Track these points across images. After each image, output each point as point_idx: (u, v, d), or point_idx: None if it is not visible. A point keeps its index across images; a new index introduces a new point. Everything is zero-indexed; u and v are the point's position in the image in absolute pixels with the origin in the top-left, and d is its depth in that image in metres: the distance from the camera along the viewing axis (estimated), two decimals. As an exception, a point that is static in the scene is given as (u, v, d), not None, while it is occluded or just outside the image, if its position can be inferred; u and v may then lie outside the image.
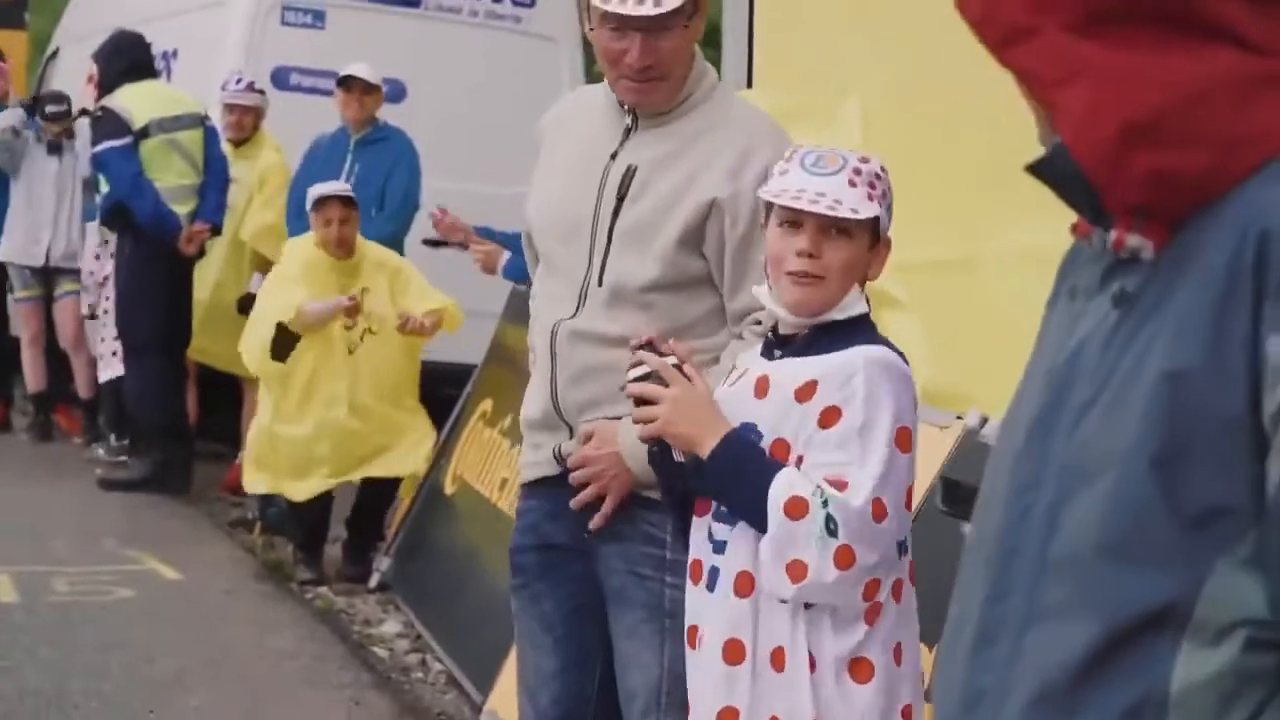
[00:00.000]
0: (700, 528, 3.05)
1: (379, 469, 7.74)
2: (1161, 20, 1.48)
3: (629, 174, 3.44)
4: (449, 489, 7.39)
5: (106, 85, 9.36)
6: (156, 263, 9.18)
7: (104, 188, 9.35)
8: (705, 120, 3.45)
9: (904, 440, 2.90)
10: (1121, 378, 1.51)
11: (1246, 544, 1.43)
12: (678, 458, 3.03)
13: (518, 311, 6.86)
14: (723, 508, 2.99)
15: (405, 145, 8.81)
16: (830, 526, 2.82)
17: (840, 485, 2.84)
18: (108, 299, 9.77)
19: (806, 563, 2.83)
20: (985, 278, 4.94)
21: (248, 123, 9.54)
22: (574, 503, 3.44)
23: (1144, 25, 1.48)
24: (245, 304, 8.70)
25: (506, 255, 7.23)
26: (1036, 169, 1.59)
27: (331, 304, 7.51)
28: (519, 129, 8.03)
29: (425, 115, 9.77)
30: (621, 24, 3.36)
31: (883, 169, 3.04)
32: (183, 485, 9.43)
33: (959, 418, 4.16)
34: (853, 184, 2.95)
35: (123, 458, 9.98)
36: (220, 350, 9.02)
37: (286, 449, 7.69)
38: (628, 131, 3.48)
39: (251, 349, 7.64)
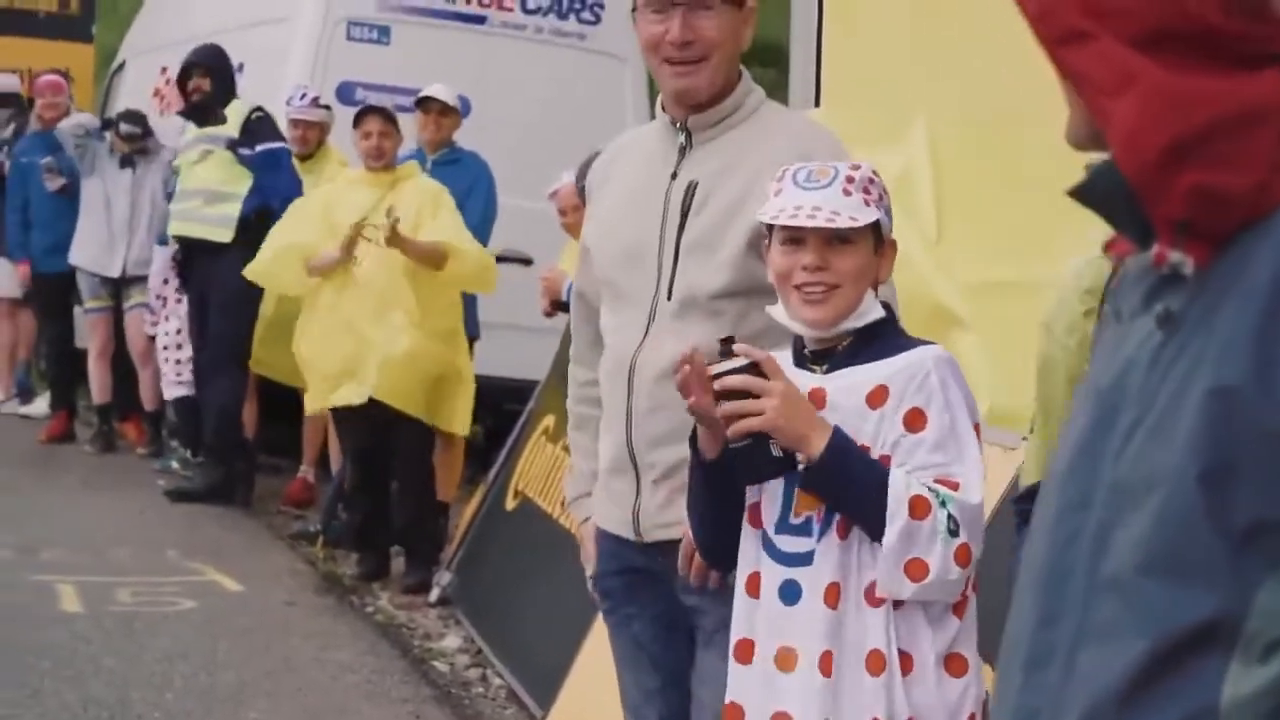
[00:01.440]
0: (753, 539, 3.06)
1: (422, 410, 7.88)
2: (1215, 44, 1.51)
3: (691, 189, 3.48)
4: (510, 504, 7.44)
5: (223, 96, 9.48)
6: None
7: (238, 189, 9.38)
8: (759, 129, 3.51)
9: (979, 434, 2.99)
10: (1167, 397, 1.53)
11: None
12: (776, 453, 2.99)
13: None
14: (793, 519, 3.00)
15: (481, 168, 8.88)
16: (952, 526, 2.88)
17: (952, 485, 2.90)
18: (169, 319, 9.90)
19: (928, 562, 2.88)
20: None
21: (312, 138, 9.63)
22: (688, 570, 3.44)
23: (1198, 46, 1.52)
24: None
25: (569, 278, 7.29)
26: (1078, 192, 1.62)
27: (335, 254, 7.83)
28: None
29: (489, 132, 9.85)
30: (664, 1, 3.43)
31: (874, 173, 3.09)
32: (245, 498, 9.52)
33: (1024, 438, 4.18)
34: (847, 193, 3.01)
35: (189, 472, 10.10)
36: (281, 363, 9.16)
37: (311, 362, 7.97)
38: (683, 151, 3.53)
39: (259, 264, 8.21)
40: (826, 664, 2.94)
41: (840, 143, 3.56)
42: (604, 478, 3.63)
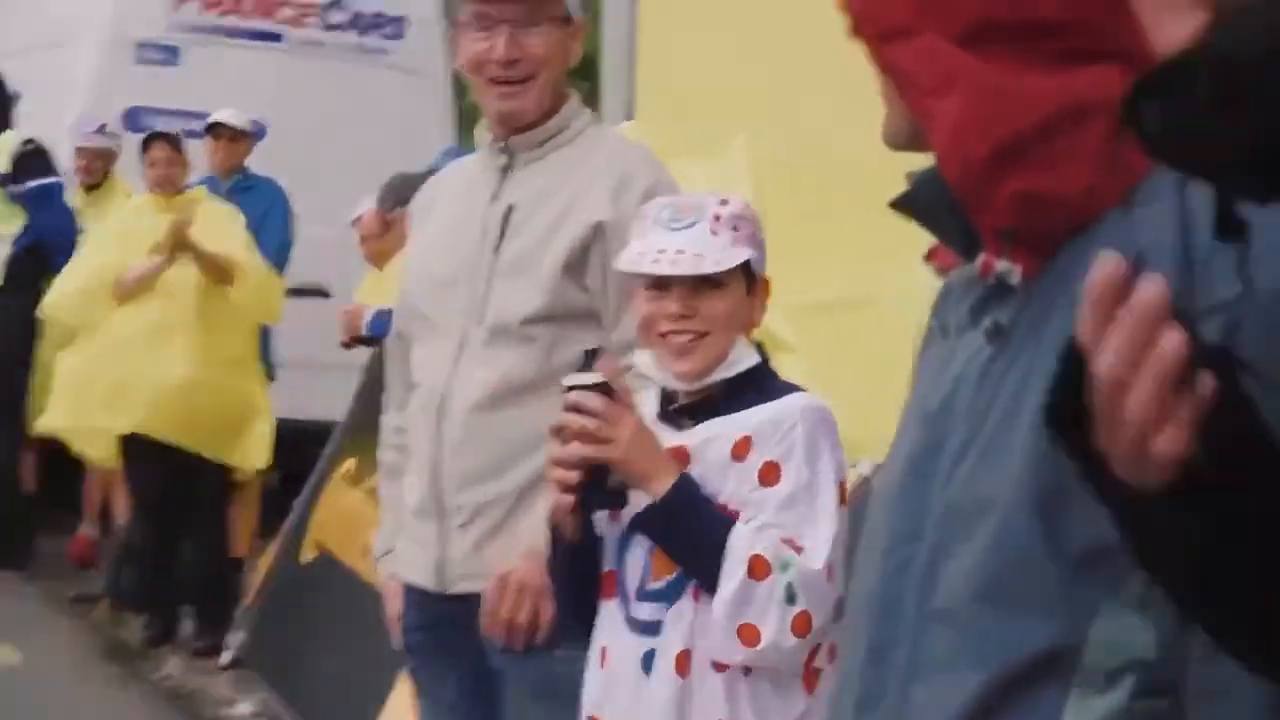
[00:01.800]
0: (611, 612, 3.01)
1: (206, 445, 7.75)
2: (1041, 38, 1.52)
3: (509, 212, 3.48)
4: (307, 556, 7.35)
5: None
6: (31, 319, 9.06)
7: (8, 228, 9.20)
8: (582, 151, 3.51)
9: (843, 494, 2.95)
10: (998, 416, 1.52)
11: (1133, 583, 1.45)
12: (614, 483, 2.95)
13: (384, 366, 6.84)
14: (652, 584, 2.95)
15: (277, 194, 8.84)
16: (790, 592, 2.83)
17: (796, 548, 2.85)
18: None
19: (760, 628, 2.83)
20: (878, 317, 5.01)
21: (98, 168, 9.53)
22: (494, 630, 3.39)
23: (1023, 41, 1.52)
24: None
25: (372, 310, 7.24)
26: (902, 202, 1.62)
27: (151, 265, 7.72)
28: (386, 169, 8.09)
29: (287, 155, 9.74)
30: (489, 17, 3.43)
31: (746, 206, 3.05)
32: (22, 561, 9.31)
33: (852, 466, 4.20)
34: (714, 233, 2.95)
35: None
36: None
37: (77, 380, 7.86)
38: (504, 172, 3.52)
39: (61, 297, 8.00)
40: None
41: (654, 156, 3.57)
42: (409, 523, 3.58)
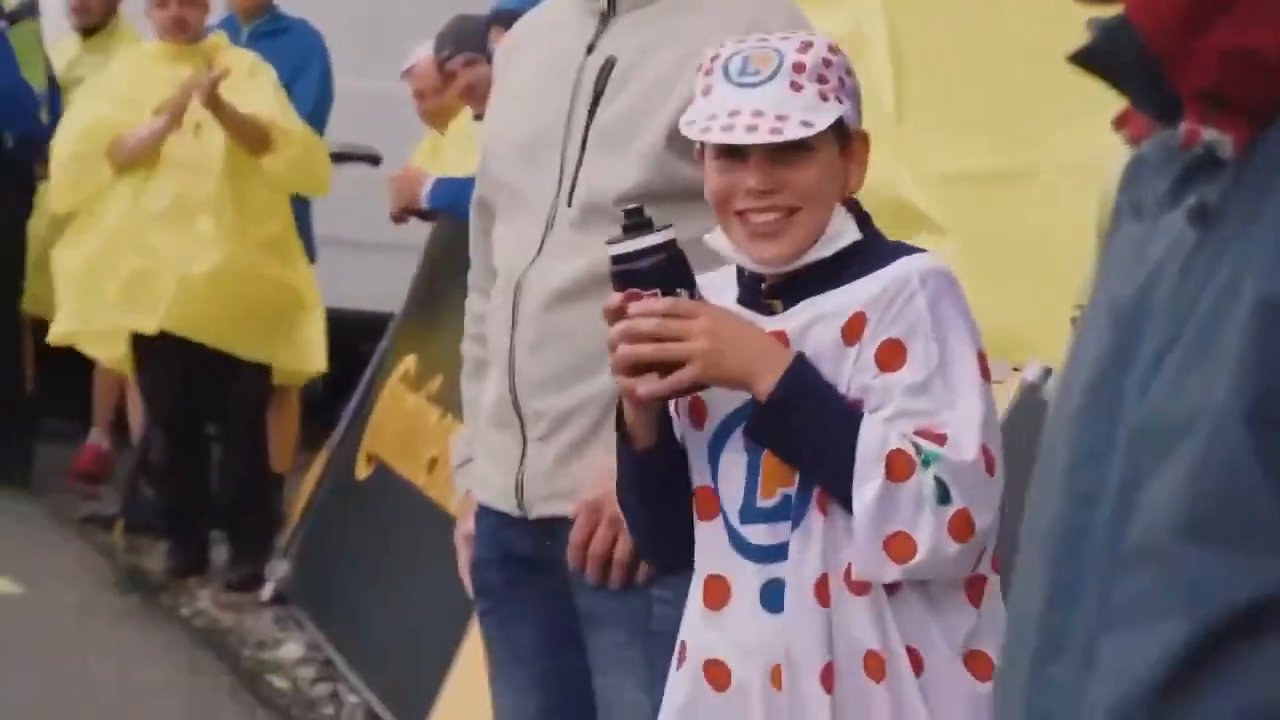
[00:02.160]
0: (713, 536, 3.02)
1: (243, 345, 7.79)
2: None
3: (607, 66, 3.48)
4: (362, 472, 7.42)
5: None
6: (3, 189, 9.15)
7: None
8: (707, 5, 3.48)
9: (986, 368, 2.94)
10: (1206, 313, 1.52)
11: None
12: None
13: (449, 244, 6.88)
14: (762, 502, 2.95)
15: (312, 41, 8.77)
16: (942, 489, 2.83)
17: (938, 438, 2.85)
18: None
19: (914, 536, 2.83)
20: (1045, 192, 4.99)
21: (95, 5, 9.51)
22: (583, 564, 3.42)
23: None
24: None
25: (431, 178, 7.26)
26: (1083, 57, 1.61)
27: (157, 125, 7.70)
28: (443, 10, 8.05)
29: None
30: None
31: (832, 47, 3.02)
32: (22, 474, 9.45)
33: (1015, 369, 4.21)
34: (796, 87, 2.92)
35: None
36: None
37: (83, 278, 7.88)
38: (604, 18, 3.51)
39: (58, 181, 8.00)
40: (828, 678, 2.90)
41: (801, 14, 3.53)
42: (485, 433, 3.62)
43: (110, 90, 8.12)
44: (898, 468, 2.83)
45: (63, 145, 8.12)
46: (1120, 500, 1.58)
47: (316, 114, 8.56)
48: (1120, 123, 1.66)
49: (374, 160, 9.61)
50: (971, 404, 2.88)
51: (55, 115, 9.14)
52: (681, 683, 3.05)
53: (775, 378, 2.88)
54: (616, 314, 2.96)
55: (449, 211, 7.02)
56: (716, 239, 3.03)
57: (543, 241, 3.47)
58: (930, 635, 2.92)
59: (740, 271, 3.05)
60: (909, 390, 2.87)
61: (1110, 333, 1.63)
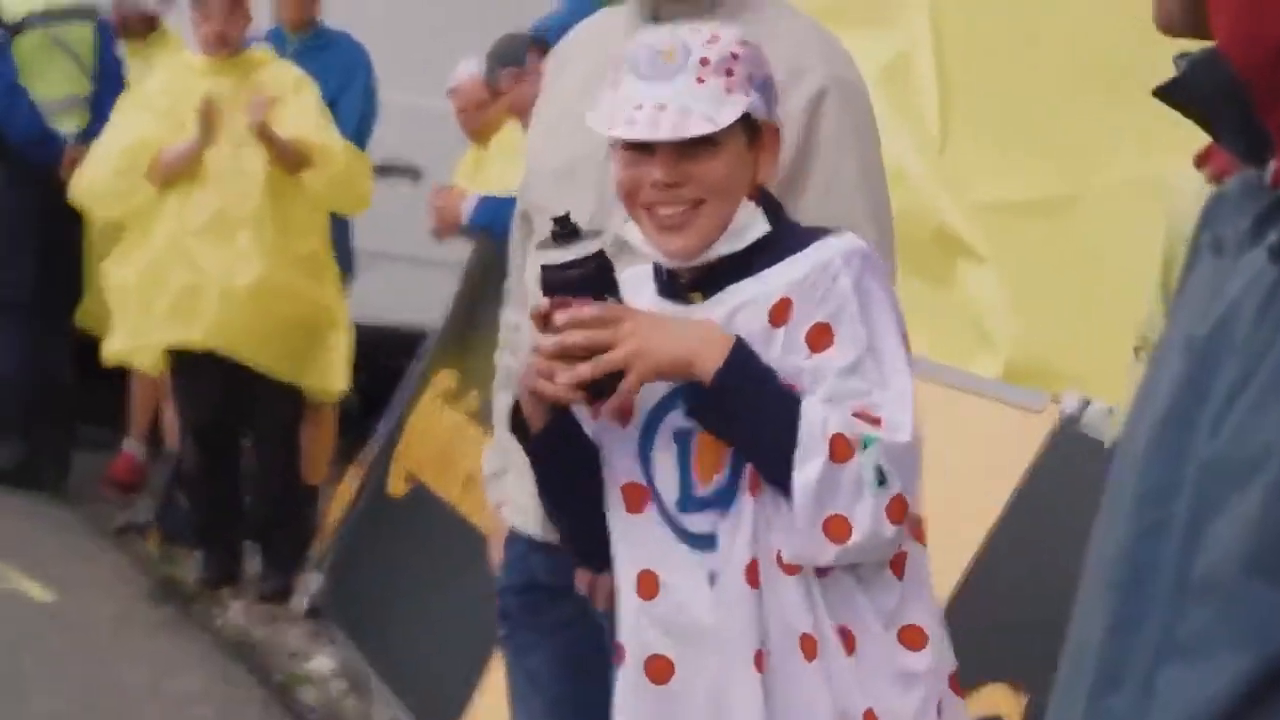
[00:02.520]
0: (648, 528, 3.02)
1: (277, 364, 7.78)
2: None
3: None
4: (397, 489, 7.42)
5: None
6: (27, 196, 9.16)
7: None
8: (749, 27, 3.47)
9: (906, 339, 2.95)
10: (1284, 352, 1.54)
11: None
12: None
13: (489, 262, 6.89)
14: (701, 490, 2.96)
15: (357, 55, 8.81)
16: (880, 473, 2.84)
17: (873, 420, 2.86)
18: None
19: (850, 519, 2.84)
20: (1087, 220, 4.98)
21: (135, 22, 9.50)
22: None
23: None
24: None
25: (474, 197, 7.27)
26: (1170, 90, 1.61)
27: (188, 145, 7.71)
28: (493, 28, 8.05)
29: (369, 9, 9.73)
30: None
31: (740, 41, 3.00)
32: (57, 482, 9.46)
33: (1054, 400, 4.20)
34: (702, 80, 2.93)
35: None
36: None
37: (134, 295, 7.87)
38: None
39: (92, 182, 7.94)
40: (760, 660, 2.92)
41: (837, 46, 3.49)
42: (514, 452, 3.60)
43: (150, 103, 8.11)
44: (839, 450, 2.84)
45: (104, 159, 8.10)
46: (1188, 534, 1.58)
47: (361, 127, 8.58)
48: (1201, 160, 1.66)
49: (414, 175, 9.63)
50: (902, 381, 2.90)
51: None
52: (623, 682, 3.06)
53: (720, 359, 2.89)
54: (543, 321, 2.98)
55: (489, 230, 7.03)
56: (630, 232, 3.05)
57: None
58: (861, 612, 2.93)
59: (656, 265, 3.07)
60: (842, 373, 2.89)
61: (1183, 368, 1.63)
